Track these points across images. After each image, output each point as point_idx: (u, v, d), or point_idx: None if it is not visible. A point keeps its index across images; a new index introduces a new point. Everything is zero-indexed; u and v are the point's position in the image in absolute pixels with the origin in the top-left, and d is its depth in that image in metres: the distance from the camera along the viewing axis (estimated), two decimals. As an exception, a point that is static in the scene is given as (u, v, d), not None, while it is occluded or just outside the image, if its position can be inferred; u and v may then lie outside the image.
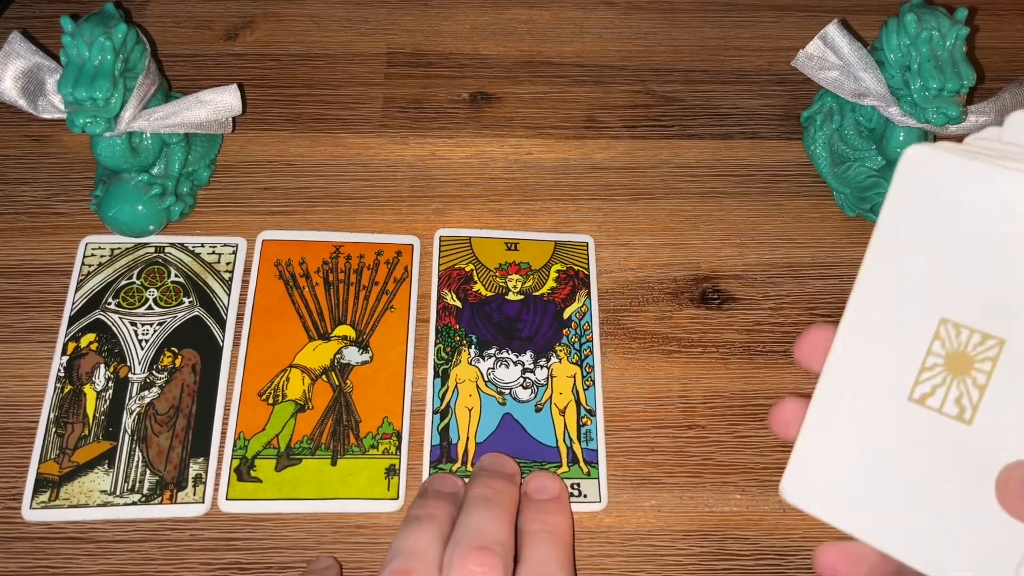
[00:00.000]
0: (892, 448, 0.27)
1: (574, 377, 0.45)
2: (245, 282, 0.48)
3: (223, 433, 0.43)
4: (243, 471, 0.42)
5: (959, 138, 0.52)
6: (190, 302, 0.47)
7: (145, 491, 0.42)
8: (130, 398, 0.44)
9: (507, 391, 0.45)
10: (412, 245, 0.49)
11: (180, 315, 0.46)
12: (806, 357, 0.30)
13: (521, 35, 0.58)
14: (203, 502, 0.41)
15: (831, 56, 0.48)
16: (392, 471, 0.42)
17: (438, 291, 0.47)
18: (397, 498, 0.42)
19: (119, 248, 0.48)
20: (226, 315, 0.46)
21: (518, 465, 0.42)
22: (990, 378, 0.25)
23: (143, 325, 0.46)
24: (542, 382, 0.45)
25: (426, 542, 0.35)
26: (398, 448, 0.43)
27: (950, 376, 0.26)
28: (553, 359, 0.46)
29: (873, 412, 0.27)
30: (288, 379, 0.45)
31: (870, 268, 0.26)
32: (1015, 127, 0.25)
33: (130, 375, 0.44)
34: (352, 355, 0.45)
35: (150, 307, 0.46)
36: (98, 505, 0.41)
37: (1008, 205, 0.24)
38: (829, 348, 0.28)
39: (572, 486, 0.43)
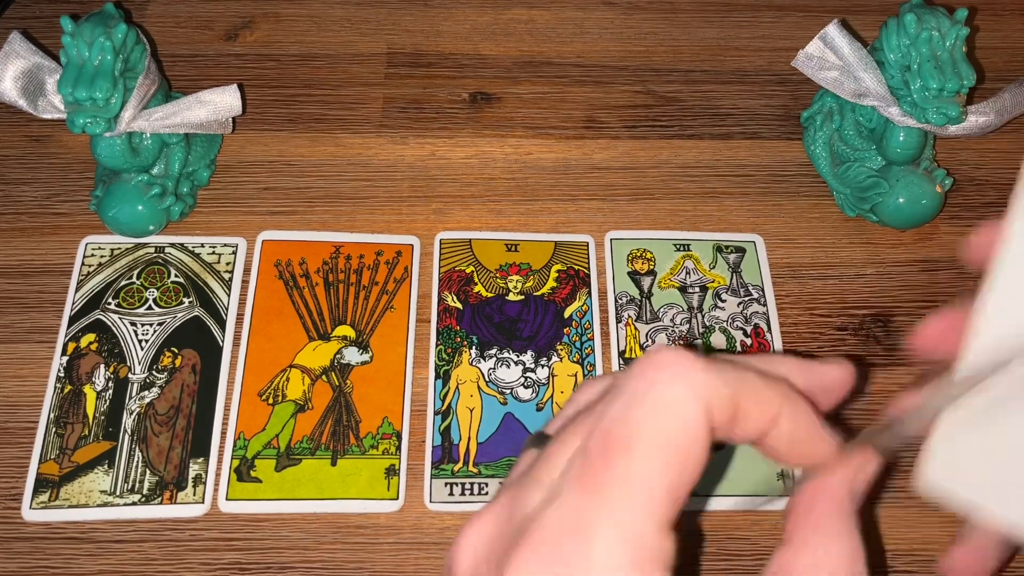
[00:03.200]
0: None
1: (575, 376, 0.45)
2: (245, 282, 0.47)
3: (223, 433, 0.43)
4: (243, 471, 0.42)
5: (958, 139, 0.52)
6: (190, 302, 0.47)
7: (145, 491, 0.41)
8: (130, 398, 0.44)
9: (508, 391, 0.45)
10: (412, 245, 0.49)
11: (180, 315, 0.46)
12: (929, 344, 0.25)
13: (521, 35, 0.58)
14: (203, 502, 0.41)
15: (831, 56, 0.48)
16: (392, 471, 0.42)
17: (439, 293, 0.47)
18: (397, 498, 0.42)
19: (119, 248, 0.48)
20: (226, 315, 0.46)
21: None
22: None
23: (143, 325, 0.46)
24: (543, 381, 0.45)
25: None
26: (398, 448, 0.43)
27: None
28: (554, 358, 0.46)
29: None
30: (288, 379, 0.45)
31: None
32: None
33: (130, 375, 0.44)
34: (352, 355, 0.45)
35: (150, 307, 0.46)
36: (98, 505, 0.41)
37: None
38: (955, 337, 0.22)
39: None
